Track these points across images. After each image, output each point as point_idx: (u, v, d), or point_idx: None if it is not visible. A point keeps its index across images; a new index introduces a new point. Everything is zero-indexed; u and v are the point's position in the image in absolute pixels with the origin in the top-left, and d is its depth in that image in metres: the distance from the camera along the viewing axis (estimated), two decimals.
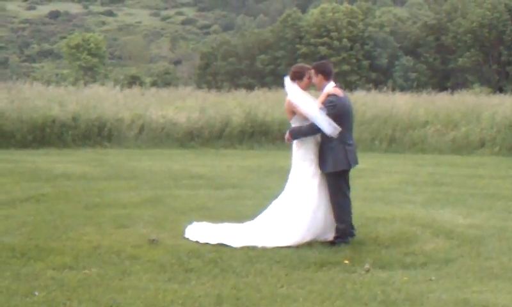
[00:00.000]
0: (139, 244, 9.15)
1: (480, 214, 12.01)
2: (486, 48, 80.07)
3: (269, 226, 9.57)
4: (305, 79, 9.76)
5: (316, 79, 9.78)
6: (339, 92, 9.78)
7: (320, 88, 9.83)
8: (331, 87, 9.75)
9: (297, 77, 9.79)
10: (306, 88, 9.80)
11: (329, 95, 9.63)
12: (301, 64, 10.54)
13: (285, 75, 10.15)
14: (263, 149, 24.41)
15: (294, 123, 9.74)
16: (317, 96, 9.90)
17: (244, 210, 11.59)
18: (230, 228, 9.86)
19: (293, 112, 9.71)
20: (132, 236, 9.65)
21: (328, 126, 9.43)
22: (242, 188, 14.65)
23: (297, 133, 9.65)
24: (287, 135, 9.82)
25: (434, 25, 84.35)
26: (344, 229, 9.59)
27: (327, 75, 9.80)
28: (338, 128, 9.45)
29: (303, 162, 9.67)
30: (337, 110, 9.56)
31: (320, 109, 9.47)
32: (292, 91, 9.69)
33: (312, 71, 9.82)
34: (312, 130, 9.53)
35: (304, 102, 9.59)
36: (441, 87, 51.11)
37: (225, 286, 7.44)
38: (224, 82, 50.64)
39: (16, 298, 6.87)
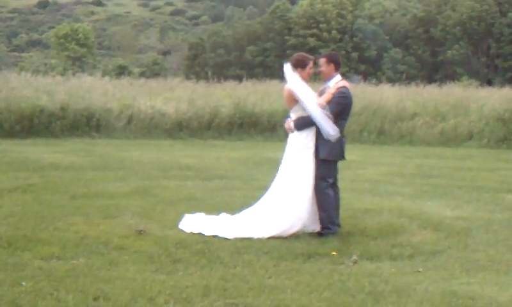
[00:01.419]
0: (127, 235, 9.13)
1: (468, 206, 12.05)
2: (474, 40, 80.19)
3: (262, 216, 9.55)
4: (307, 69, 9.67)
5: (327, 68, 9.74)
6: (347, 84, 9.82)
7: (328, 78, 9.79)
8: (338, 78, 9.76)
9: (300, 65, 9.68)
10: (307, 78, 9.75)
11: (340, 87, 9.64)
12: (304, 53, 10.40)
13: (284, 62, 9.99)
14: (252, 141, 24.41)
15: (294, 112, 9.67)
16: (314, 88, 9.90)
17: (233, 201, 11.60)
18: (223, 220, 9.84)
19: (294, 100, 9.63)
20: (119, 226, 9.63)
21: (328, 126, 9.43)
22: (230, 179, 14.65)
23: (302, 125, 9.60)
24: (287, 124, 9.78)
25: (424, 17, 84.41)
26: (329, 219, 9.58)
27: (338, 66, 9.84)
28: (337, 130, 9.46)
29: (301, 149, 9.62)
30: (346, 102, 9.65)
31: (322, 107, 9.45)
32: (294, 80, 9.62)
33: (323, 59, 9.78)
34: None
35: (306, 95, 9.54)
36: (430, 80, 51.24)
37: (213, 277, 7.44)
38: (213, 73, 50.53)
39: (3, 288, 6.84)
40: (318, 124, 9.46)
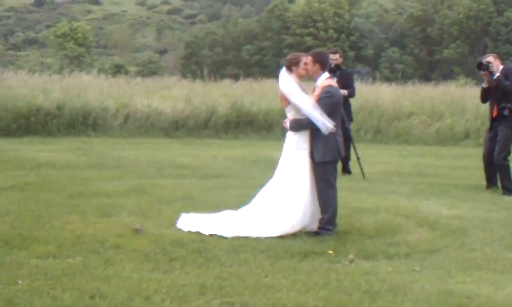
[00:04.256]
0: (123, 233, 9.11)
1: (464, 205, 12.05)
2: (471, 39, 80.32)
3: (261, 216, 9.53)
4: (302, 65, 9.66)
5: (313, 68, 9.69)
6: (334, 83, 9.78)
7: (314, 77, 9.77)
8: (325, 77, 9.71)
9: (293, 63, 9.67)
10: (304, 74, 9.71)
11: (324, 86, 9.61)
12: (295, 52, 10.48)
13: (280, 66, 10.10)
14: (248, 140, 24.41)
15: (289, 111, 9.68)
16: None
17: (229, 199, 11.57)
18: (221, 218, 9.82)
19: (286, 100, 9.65)
20: (116, 225, 9.61)
21: (323, 124, 9.41)
22: (227, 178, 14.63)
23: (295, 127, 9.60)
24: (284, 122, 9.80)
25: (420, 16, 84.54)
26: (329, 220, 9.59)
27: (324, 66, 9.75)
28: (332, 126, 9.44)
29: (296, 150, 9.62)
30: (334, 101, 9.59)
31: (315, 106, 9.45)
32: (286, 82, 9.64)
33: (310, 58, 9.76)
34: (311, 123, 9.50)
35: (298, 96, 9.54)
36: (427, 79, 51.30)
37: (209, 276, 7.43)
38: (210, 72, 50.38)
39: None
40: (314, 121, 9.44)
